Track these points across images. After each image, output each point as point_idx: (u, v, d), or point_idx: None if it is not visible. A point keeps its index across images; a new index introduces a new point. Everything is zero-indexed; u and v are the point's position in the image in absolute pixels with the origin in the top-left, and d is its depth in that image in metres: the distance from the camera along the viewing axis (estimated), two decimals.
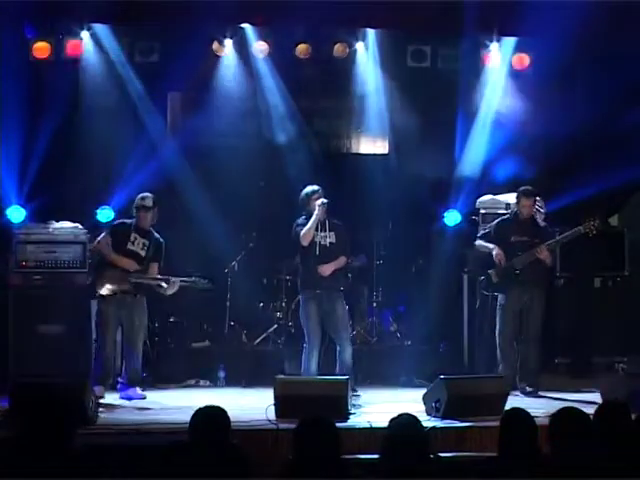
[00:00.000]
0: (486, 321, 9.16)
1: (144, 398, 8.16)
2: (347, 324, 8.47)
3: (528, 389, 8.36)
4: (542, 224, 8.81)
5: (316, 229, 8.22)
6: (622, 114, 9.88)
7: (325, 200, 8.17)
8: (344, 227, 8.47)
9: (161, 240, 8.57)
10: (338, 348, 8.30)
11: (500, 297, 8.65)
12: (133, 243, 8.36)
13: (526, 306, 8.52)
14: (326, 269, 8.21)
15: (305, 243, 8.19)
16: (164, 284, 8.31)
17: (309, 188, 8.32)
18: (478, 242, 8.87)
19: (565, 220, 9.01)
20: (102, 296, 8.27)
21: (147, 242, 8.40)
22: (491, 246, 8.61)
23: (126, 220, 8.57)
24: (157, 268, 8.46)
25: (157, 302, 10.07)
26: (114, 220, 9.06)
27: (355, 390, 7.97)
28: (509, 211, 9.07)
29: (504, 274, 8.54)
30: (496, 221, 8.93)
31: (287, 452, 4.41)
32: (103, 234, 8.46)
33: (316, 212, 8.14)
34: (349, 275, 9.65)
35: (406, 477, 3.98)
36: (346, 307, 8.46)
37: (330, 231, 8.28)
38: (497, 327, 8.62)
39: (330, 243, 8.28)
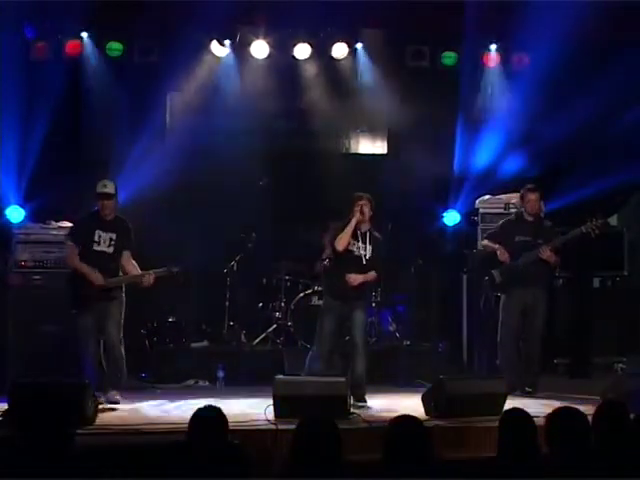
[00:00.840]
0: (488, 321, 9.17)
1: (117, 402, 7.78)
2: (363, 333, 8.08)
3: (527, 389, 8.34)
4: (546, 224, 8.82)
5: (356, 238, 7.93)
6: (621, 114, 9.91)
7: (361, 204, 7.84)
8: (383, 243, 8.11)
9: (129, 226, 8.18)
10: (351, 360, 8.01)
11: (503, 297, 8.64)
12: (99, 243, 7.91)
13: (529, 306, 8.50)
14: (355, 279, 7.85)
15: (339, 248, 7.85)
16: (141, 279, 7.99)
17: (357, 193, 8.00)
18: (484, 242, 8.88)
19: (564, 220, 9.02)
20: (79, 310, 7.91)
21: (113, 236, 7.94)
22: (496, 246, 8.61)
23: (84, 217, 8.20)
24: (128, 256, 8.03)
25: (155, 302, 10.14)
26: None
27: (364, 401, 7.78)
28: (513, 211, 9.08)
29: (507, 274, 8.53)
30: (501, 221, 8.95)
31: (286, 452, 4.40)
32: (67, 245, 8.11)
33: (354, 219, 7.85)
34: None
35: (406, 477, 3.97)
36: (365, 317, 8.11)
37: (370, 244, 7.95)
38: (499, 327, 8.61)
39: (366, 256, 7.93)
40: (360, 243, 7.92)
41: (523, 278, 8.43)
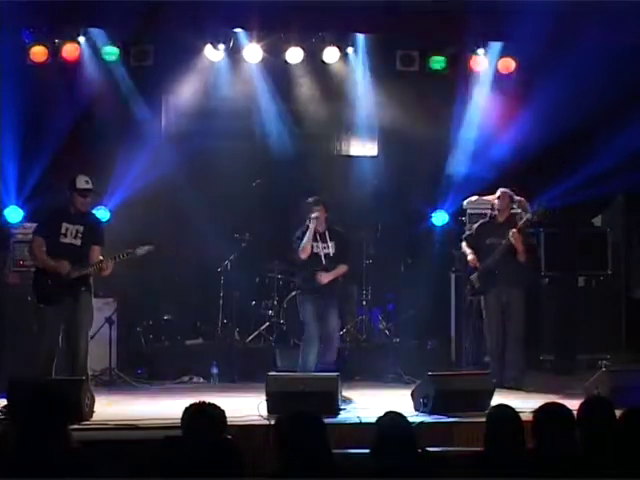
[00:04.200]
0: (474, 321, 9.30)
1: None
2: (337, 331, 8.64)
3: (513, 385, 8.43)
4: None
5: (315, 240, 8.40)
6: (607, 116, 10.02)
7: (314, 215, 8.32)
8: (344, 235, 8.64)
9: (100, 221, 8.20)
10: (321, 351, 8.42)
11: (483, 298, 8.80)
12: (65, 235, 7.73)
13: (505, 305, 8.62)
14: (325, 278, 8.40)
15: (304, 256, 8.38)
16: (101, 268, 7.74)
17: (310, 198, 8.51)
18: (462, 244, 9.02)
19: (552, 221, 9.16)
20: (46, 304, 7.73)
21: (81, 228, 7.75)
22: (467, 251, 8.81)
23: (50, 211, 8.11)
24: (98, 251, 7.83)
25: (151, 301, 10.26)
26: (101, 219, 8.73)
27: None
28: (490, 213, 9.20)
29: (483, 277, 8.69)
30: (477, 223, 9.09)
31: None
32: (33, 239, 7.91)
33: (310, 227, 8.33)
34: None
35: (395, 472, 4.04)
36: (338, 316, 8.63)
37: (330, 241, 8.46)
38: (484, 326, 8.78)
39: (329, 254, 8.45)
40: (321, 244, 8.42)
41: (497, 278, 8.58)
